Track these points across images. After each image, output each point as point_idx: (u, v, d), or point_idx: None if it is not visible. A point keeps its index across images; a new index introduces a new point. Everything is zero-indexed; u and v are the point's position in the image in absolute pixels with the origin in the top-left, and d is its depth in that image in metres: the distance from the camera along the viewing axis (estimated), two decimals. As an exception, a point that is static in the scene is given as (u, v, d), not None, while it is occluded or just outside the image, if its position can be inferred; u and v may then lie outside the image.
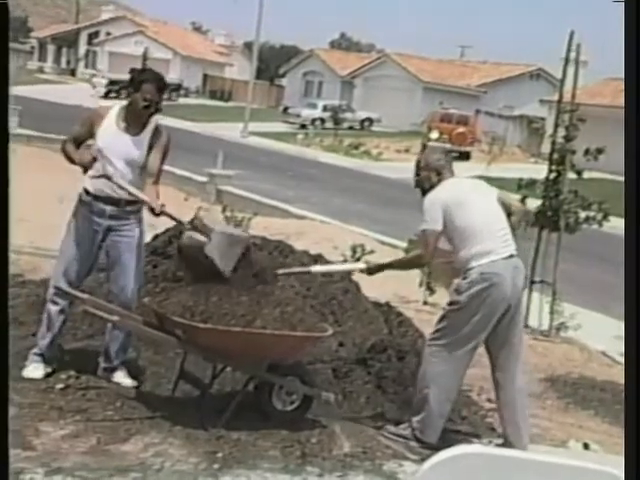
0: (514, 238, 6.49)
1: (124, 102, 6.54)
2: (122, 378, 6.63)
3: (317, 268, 7.43)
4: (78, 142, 6.43)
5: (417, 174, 6.77)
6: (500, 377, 6.49)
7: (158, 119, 6.62)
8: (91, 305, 6.05)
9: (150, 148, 6.46)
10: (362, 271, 7.04)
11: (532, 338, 11.03)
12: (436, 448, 5.79)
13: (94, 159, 6.25)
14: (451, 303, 6.37)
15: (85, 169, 6.28)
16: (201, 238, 6.06)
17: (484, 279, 6.17)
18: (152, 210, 6.22)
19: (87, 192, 6.46)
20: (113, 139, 6.37)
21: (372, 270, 6.91)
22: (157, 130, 6.54)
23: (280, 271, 6.92)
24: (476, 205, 6.39)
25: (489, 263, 6.19)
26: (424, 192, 6.62)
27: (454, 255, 6.42)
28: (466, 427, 7.02)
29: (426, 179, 6.66)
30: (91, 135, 6.42)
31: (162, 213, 6.22)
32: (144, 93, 6.35)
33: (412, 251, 7.03)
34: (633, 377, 3.17)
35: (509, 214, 6.53)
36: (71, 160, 6.30)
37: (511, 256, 6.31)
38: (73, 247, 6.46)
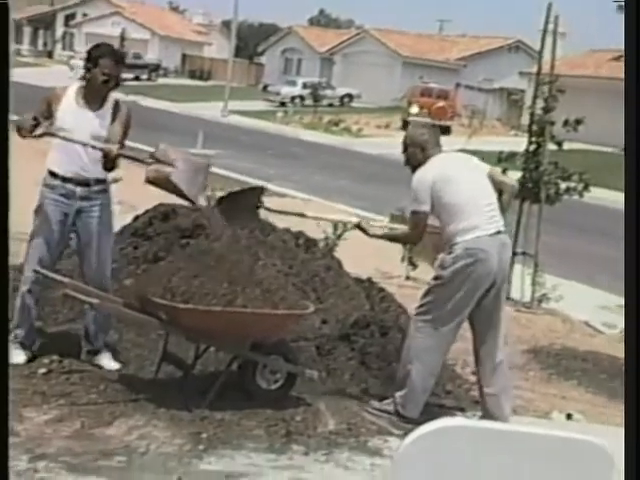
0: (505, 215, 6.49)
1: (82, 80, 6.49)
2: (106, 360, 6.60)
3: (311, 214, 7.39)
4: (36, 119, 6.30)
5: (404, 151, 6.67)
6: (481, 351, 6.49)
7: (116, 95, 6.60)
8: (72, 288, 6.02)
9: (112, 122, 6.44)
10: (355, 226, 7.02)
11: (515, 310, 11.06)
12: (421, 423, 5.81)
13: (35, 121, 6.14)
14: (436, 278, 6.36)
15: (24, 134, 6.13)
16: (166, 169, 6.05)
17: (469, 254, 6.17)
18: (108, 155, 6.19)
19: (53, 175, 6.40)
20: (75, 117, 6.33)
21: (363, 229, 6.86)
22: (117, 104, 6.52)
23: (273, 209, 6.96)
24: (463, 181, 6.36)
25: (474, 239, 6.19)
26: (413, 169, 6.55)
27: (441, 230, 6.40)
28: (450, 401, 7.03)
29: (412, 156, 6.58)
30: (48, 115, 6.34)
31: (119, 155, 6.20)
32: (102, 68, 6.33)
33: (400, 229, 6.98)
34: (633, 352, 3.17)
35: (500, 192, 6.51)
36: (19, 131, 6.05)
37: (498, 232, 6.30)
38: (45, 232, 6.41)
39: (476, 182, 6.43)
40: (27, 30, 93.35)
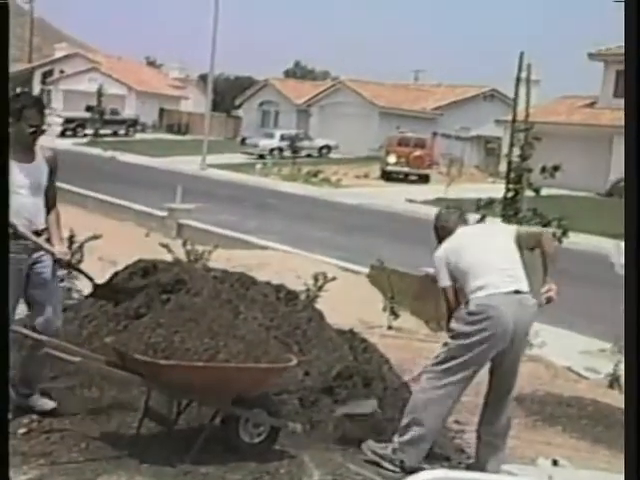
0: (547, 266, 6.59)
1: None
2: (39, 400, 6.54)
3: None
4: None
5: (435, 227, 6.96)
6: (490, 406, 6.63)
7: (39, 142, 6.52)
8: (52, 347, 6.00)
9: (49, 172, 6.48)
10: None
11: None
12: (407, 472, 5.82)
13: None
14: (450, 331, 6.49)
15: None
16: None
17: (480, 311, 6.25)
18: (58, 261, 6.28)
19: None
20: (15, 173, 6.20)
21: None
22: (45, 151, 6.53)
23: None
24: (476, 245, 6.57)
25: (486, 296, 6.29)
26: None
27: (460, 292, 6.55)
28: (435, 449, 7.00)
29: (440, 237, 6.85)
30: None
31: (70, 266, 6.24)
32: (27, 120, 6.27)
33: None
34: (633, 399, 3.17)
35: (538, 243, 6.67)
36: None
37: (517, 292, 6.38)
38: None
39: (492, 245, 6.62)
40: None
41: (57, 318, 6.52)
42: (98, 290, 6.87)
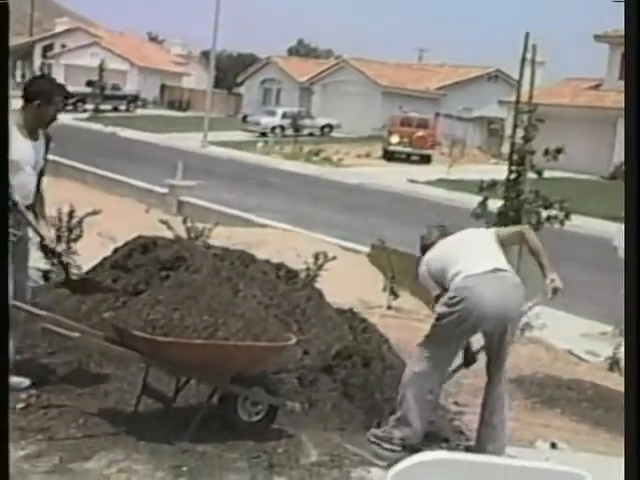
0: (543, 259, 6.63)
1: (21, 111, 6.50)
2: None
3: None
4: None
5: (421, 246, 7.00)
6: (487, 384, 6.63)
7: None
8: (50, 322, 5.98)
9: (46, 151, 6.59)
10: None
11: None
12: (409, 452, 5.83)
13: None
14: (435, 315, 6.56)
15: None
16: None
17: (457, 294, 6.30)
18: (44, 247, 6.40)
19: None
20: (23, 148, 6.36)
21: None
22: (48, 133, 6.63)
23: None
24: (450, 246, 6.67)
25: (463, 278, 6.33)
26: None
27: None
28: (434, 431, 7.00)
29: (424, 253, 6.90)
30: None
31: (54, 254, 6.25)
32: (57, 105, 6.46)
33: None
34: (633, 382, 3.15)
35: (522, 240, 6.83)
36: None
37: (495, 270, 6.40)
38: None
39: (467, 241, 6.70)
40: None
41: (25, 288, 6.57)
42: (71, 283, 6.86)
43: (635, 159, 3.36)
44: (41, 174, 6.59)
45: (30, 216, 6.36)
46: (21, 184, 6.32)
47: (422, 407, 6.43)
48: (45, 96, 6.42)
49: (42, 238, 6.41)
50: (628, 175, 3.47)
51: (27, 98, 6.52)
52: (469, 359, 6.92)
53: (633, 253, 3.26)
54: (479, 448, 6.47)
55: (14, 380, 6.49)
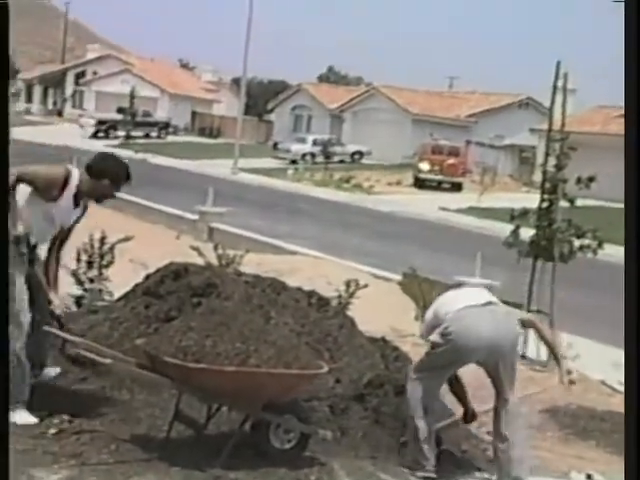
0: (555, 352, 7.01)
1: (81, 174, 6.56)
2: (46, 372, 6.69)
3: None
4: (23, 181, 6.35)
5: None
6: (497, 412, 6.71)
7: None
8: (83, 348, 6.01)
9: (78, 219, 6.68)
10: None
11: (530, 369, 10.95)
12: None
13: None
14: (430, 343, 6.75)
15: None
16: None
17: (447, 325, 6.49)
18: (52, 313, 6.48)
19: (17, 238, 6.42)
20: (65, 208, 6.49)
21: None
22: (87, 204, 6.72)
23: None
24: (448, 295, 6.90)
25: (456, 311, 6.54)
26: None
27: None
28: (467, 460, 6.97)
29: None
30: (45, 190, 6.40)
31: (58, 322, 6.44)
32: (119, 187, 6.58)
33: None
34: (633, 407, 3.10)
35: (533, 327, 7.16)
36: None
37: (487, 303, 6.61)
38: (23, 292, 6.39)
39: (463, 290, 7.02)
40: (38, 89, 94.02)
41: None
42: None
43: (635, 179, 3.33)
44: (62, 240, 6.65)
45: (45, 284, 6.47)
46: (39, 230, 6.42)
47: (422, 427, 6.56)
48: (113, 178, 6.52)
49: (49, 302, 6.49)
50: (628, 194, 3.44)
51: (92, 172, 6.56)
52: (468, 416, 7.07)
53: (634, 271, 3.23)
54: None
55: (46, 371, 6.67)
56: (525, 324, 7.05)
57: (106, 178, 6.50)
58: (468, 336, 6.39)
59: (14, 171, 6.11)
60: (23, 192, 6.31)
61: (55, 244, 6.67)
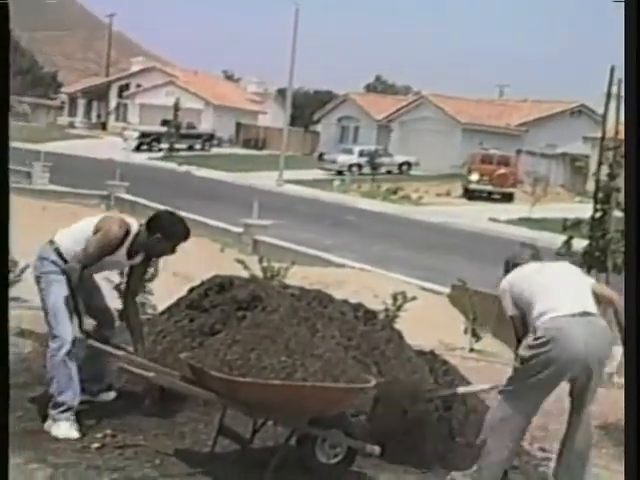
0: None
1: (139, 228, 6.66)
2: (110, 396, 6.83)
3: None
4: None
5: (507, 261, 6.87)
6: (566, 431, 6.53)
7: None
8: (126, 362, 6.00)
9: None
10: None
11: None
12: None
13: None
14: (518, 358, 6.39)
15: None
16: None
17: (544, 334, 6.13)
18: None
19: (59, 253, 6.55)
20: (120, 261, 6.68)
21: None
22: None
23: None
24: (538, 273, 6.52)
25: (552, 318, 6.17)
26: None
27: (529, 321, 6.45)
28: (518, 477, 6.83)
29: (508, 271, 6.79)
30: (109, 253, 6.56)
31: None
32: (175, 247, 6.65)
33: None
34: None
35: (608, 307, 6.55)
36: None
37: (585, 314, 6.22)
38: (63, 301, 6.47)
39: (555, 271, 6.61)
40: (81, 102, 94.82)
41: (112, 314, 6.94)
42: None
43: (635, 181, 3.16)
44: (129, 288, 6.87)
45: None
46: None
47: (502, 455, 6.33)
48: (168, 235, 6.59)
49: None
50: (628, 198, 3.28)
51: (149, 227, 6.63)
52: None
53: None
54: None
55: (105, 395, 6.85)
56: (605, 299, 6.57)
57: (159, 233, 6.56)
58: (565, 349, 6.07)
59: (76, 266, 6.37)
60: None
61: (125, 295, 6.90)
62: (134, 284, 6.91)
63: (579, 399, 6.40)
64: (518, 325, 6.48)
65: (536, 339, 6.15)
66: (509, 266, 6.75)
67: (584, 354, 6.11)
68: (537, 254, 6.84)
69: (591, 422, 6.65)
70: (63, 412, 6.36)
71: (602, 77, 11.89)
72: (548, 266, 6.72)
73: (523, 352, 6.25)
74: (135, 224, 6.63)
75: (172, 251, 6.65)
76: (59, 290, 6.46)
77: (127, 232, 6.54)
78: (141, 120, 78.57)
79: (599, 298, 6.47)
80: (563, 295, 6.32)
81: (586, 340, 6.11)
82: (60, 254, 6.53)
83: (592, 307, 6.31)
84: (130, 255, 6.62)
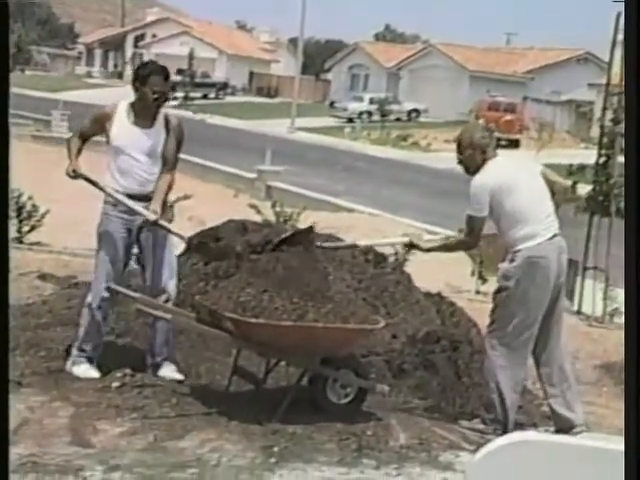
0: (556, 216, 6.45)
1: (130, 99, 6.63)
2: (169, 372, 6.65)
3: (363, 242, 7.46)
4: (85, 137, 6.62)
5: (459, 152, 6.65)
6: (544, 354, 6.47)
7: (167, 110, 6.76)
8: (143, 303, 6.12)
9: (167, 137, 6.59)
10: (406, 246, 7.03)
11: (586, 325, 10.92)
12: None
13: (75, 176, 6.48)
14: (500, 290, 6.34)
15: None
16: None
17: (532, 262, 6.16)
18: (145, 221, 6.43)
19: (115, 192, 6.53)
20: (130, 136, 6.48)
21: (415, 246, 6.88)
22: (167, 120, 6.66)
23: (326, 244, 7.01)
24: (523, 187, 6.32)
25: (535, 246, 6.18)
26: (468, 171, 6.59)
27: (499, 237, 6.44)
28: (522, 416, 6.96)
29: (470, 159, 6.57)
30: (102, 131, 6.56)
31: (156, 224, 6.38)
32: (152, 86, 6.46)
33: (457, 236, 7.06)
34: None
35: (552, 192, 6.48)
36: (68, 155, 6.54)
37: (554, 236, 6.28)
38: (109, 249, 6.54)
39: (534, 187, 6.40)
40: (98, 52, 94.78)
41: (160, 281, 6.62)
42: (192, 243, 6.91)
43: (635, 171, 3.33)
44: (164, 161, 6.60)
45: (124, 198, 6.45)
46: (122, 169, 6.49)
47: (509, 401, 6.37)
48: (142, 78, 6.50)
49: (141, 214, 6.47)
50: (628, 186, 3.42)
51: (133, 83, 6.62)
52: None
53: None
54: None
55: (167, 370, 6.69)
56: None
57: (136, 81, 6.53)
58: (549, 273, 6.14)
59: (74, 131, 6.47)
60: None
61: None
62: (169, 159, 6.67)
63: (555, 323, 6.41)
64: (479, 228, 6.34)
65: (520, 266, 6.15)
66: (467, 148, 6.55)
67: (556, 276, 6.22)
68: (493, 134, 6.78)
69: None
70: (83, 357, 6.55)
71: (609, 25, 11.91)
72: (523, 171, 6.53)
73: (507, 282, 6.21)
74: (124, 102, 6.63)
75: (153, 93, 6.45)
76: (106, 230, 6.58)
77: (112, 110, 6.58)
78: (157, 70, 78.31)
79: (550, 183, 6.48)
80: (544, 216, 6.27)
81: (558, 264, 6.23)
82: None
83: (556, 225, 6.35)
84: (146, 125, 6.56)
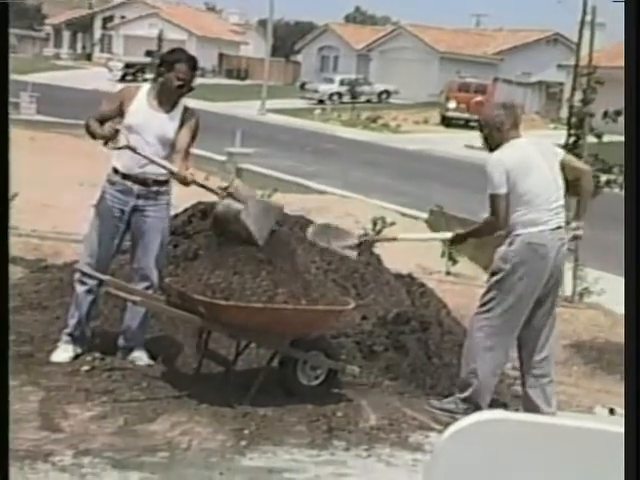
0: (584, 203, 6.52)
1: (153, 82, 6.65)
2: (140, 357, 6.62)
3: (403, 236, 7.47)
4: (103, 120, 6.49)
5: (480, 131, 6.60)
6: (530, 343, 6.48)
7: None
8: (113, 286, 6.09)
9: (181, 126, 6.54)
10: (447, 241, 7.06)
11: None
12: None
13: (116, 131, 6.33)
14: (496, 272, 6.33)
15: (106, 142, 6.35)
16: (237, 205, 6.05)
17: (531, 249, 6.17)
18: (182, 180, 6.27)
19: (116, 171, 6.49)
20: (145, 117, 6.44)
21: (455, 240, 6.94)
22: (187, 110, 6.64)
23: (367, 237, 7.05)
24: (538, 172, 6.28)
25: (537, 233, 6.19)
26: (490, 150, 6.50)
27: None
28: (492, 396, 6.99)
29: (489, 137, 6.50)
30: (120, 113, 6.49)
31: (192, 182, 6.25)
32: (177, 72, 6.46)
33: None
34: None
35: (577, 178, 6.49)
36: (93, 135, 6.38)
37: (559, 227, 6.28)
38: (100, 228, 6.51)
39: (550, 173, 6.34)
40: (66, 34, 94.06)
41: (145, 267, 6.58)
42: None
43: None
44: (176, 149, 6.53)
45: (153, 157, 6.33)
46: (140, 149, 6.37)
47: (491, 383, 6.40)
48: (168, 64, 6.50)
49: (172, 172, 6.36)
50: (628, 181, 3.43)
51: (158, 68, 6.64)
52: None
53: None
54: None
55: (137, 355, 6.64)
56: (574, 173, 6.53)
57: (162, 66, 6.54)
58: (547, 262, 6.14)
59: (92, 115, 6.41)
60: None
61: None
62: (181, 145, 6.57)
63: (545, 313, 6.42)
64: (502, 205, 6.22)
65: (519, 250, 6.16)
66: (482, 126, 6.51)
67: (553, 267, 6.22)
68: (511, 110, 6.64)
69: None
70: (65, 334, 6.53)
71: (578, 5, 11.95)
72: (542, 154, 6.41)
73: (504, 265, 6.20)
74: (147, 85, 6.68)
75: (178, 79, 6.45)
76: (100, 209, 6.55)
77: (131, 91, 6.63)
78: (125, 51, 78.00)
79: (570, 171, 6.46)
80: (552, 206, 6.25)
81: (556, 254, 6.22)
82: (115, 169, 6.53)
83: (563, 216, 6.35)
84: (165, 110, 6.54)
